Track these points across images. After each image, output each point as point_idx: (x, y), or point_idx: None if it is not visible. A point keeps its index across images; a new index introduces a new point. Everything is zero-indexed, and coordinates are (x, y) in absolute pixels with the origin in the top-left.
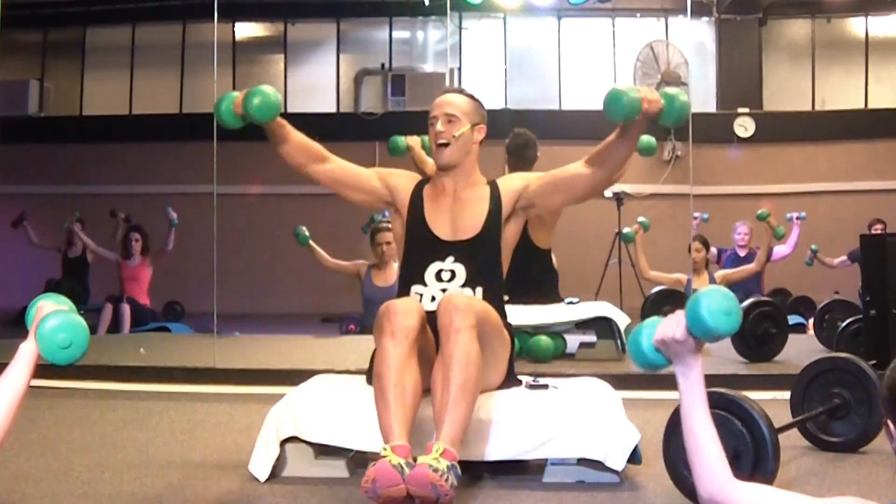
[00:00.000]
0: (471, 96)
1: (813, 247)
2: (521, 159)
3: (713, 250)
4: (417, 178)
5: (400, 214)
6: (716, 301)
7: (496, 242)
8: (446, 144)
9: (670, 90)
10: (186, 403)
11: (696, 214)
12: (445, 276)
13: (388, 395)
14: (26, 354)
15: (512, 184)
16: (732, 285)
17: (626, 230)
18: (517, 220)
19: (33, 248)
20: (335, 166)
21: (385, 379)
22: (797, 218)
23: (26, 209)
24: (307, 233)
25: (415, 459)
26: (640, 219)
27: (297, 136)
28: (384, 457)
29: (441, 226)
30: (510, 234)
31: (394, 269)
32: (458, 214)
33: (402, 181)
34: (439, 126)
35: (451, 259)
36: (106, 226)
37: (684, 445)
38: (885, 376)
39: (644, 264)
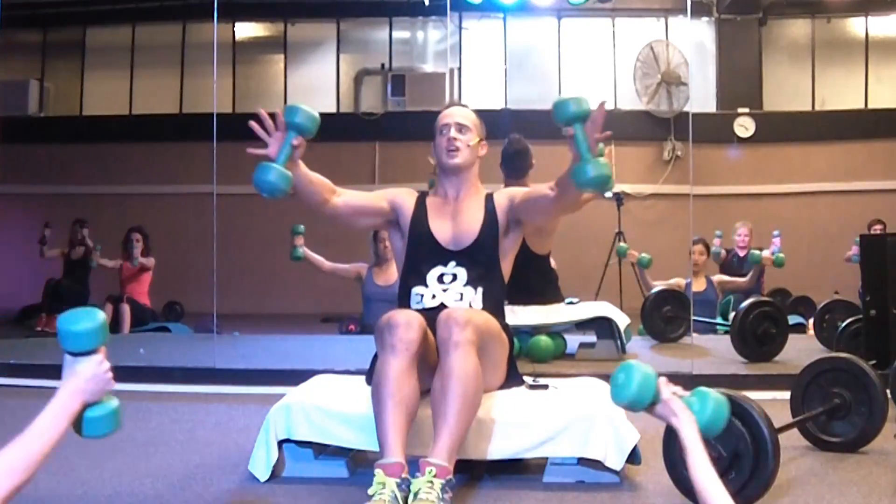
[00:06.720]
0: (475, 113)
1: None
2: (513, 168)
3: (722, 251)
4: (416, 193)
5: (402, 227)
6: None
7: (493, 248)
8: (457, 150)
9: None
10: (186, 403)
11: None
12: (447, 279)
13: (386, 405)
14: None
15: (500, 200)
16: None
17: (621, 245)
18: (514, 232)
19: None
20: (349, 195)
21: (383, 389)
22: (775, 236)
23: (26, 209)
24: (300, 253)
25: (412, 470)
26: (643, 255)
27: (313, 175)
28: (378, 482)
29: (443, 233)
30: (508, 245)
31: (394, 268)
32: (458, 220)
33: (405, 197)
34: (452, 133)
35: (452, 263)
36: (106, 226)
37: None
38: None
39: (649, 282)
